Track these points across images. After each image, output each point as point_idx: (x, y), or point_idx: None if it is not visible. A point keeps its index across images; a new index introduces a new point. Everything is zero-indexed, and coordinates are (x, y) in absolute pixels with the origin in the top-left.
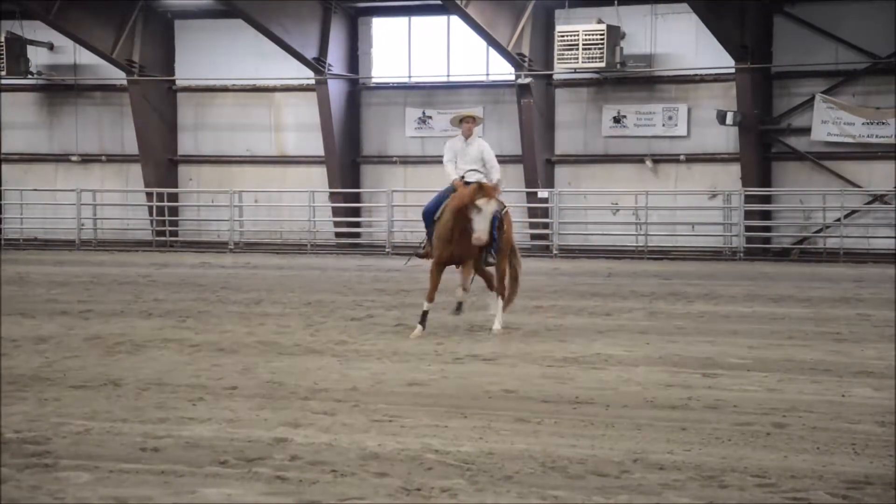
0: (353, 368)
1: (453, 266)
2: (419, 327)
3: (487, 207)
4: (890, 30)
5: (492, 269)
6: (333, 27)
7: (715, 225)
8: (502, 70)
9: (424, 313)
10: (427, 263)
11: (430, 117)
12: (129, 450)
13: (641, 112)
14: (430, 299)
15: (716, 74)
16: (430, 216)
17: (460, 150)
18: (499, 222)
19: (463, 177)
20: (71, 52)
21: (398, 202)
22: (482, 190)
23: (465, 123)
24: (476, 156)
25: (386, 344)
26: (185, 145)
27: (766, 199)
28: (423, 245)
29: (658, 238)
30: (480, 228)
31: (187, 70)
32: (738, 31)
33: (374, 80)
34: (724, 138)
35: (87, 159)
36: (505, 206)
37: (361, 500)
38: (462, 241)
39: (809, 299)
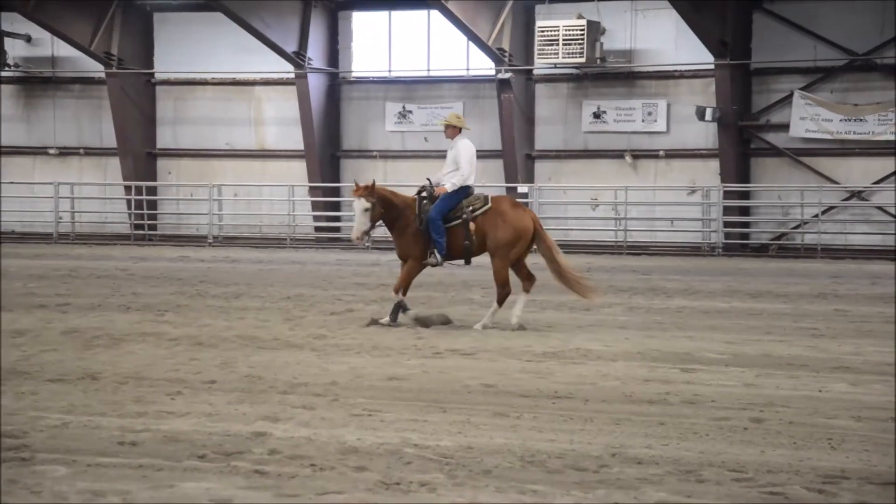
0: (332, 363)
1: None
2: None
3: (356, 204)
4: (868, 27)
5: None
6: (313, 21)
7: (694, 220)
8: (482, 65)
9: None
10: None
11: (410, 112)
12: (106, 444)
13: (621, 108)
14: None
15: (695, 70)
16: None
17: (448, 152)
18: (466, 223)
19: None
20: (49, 45)
21: None
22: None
23: (449, 128)
24: (452, 157)
25: (365, 338)
26: (164, 139)
27: (745, 195)
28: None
29: (637, 233)
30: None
31: (166, 63)
32: (717, 28)
33: (354, 75)
34: (704, 134)
35: (65, 152)
36: (487, 205)
37: (340, 494)
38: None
39: (787, 295)
